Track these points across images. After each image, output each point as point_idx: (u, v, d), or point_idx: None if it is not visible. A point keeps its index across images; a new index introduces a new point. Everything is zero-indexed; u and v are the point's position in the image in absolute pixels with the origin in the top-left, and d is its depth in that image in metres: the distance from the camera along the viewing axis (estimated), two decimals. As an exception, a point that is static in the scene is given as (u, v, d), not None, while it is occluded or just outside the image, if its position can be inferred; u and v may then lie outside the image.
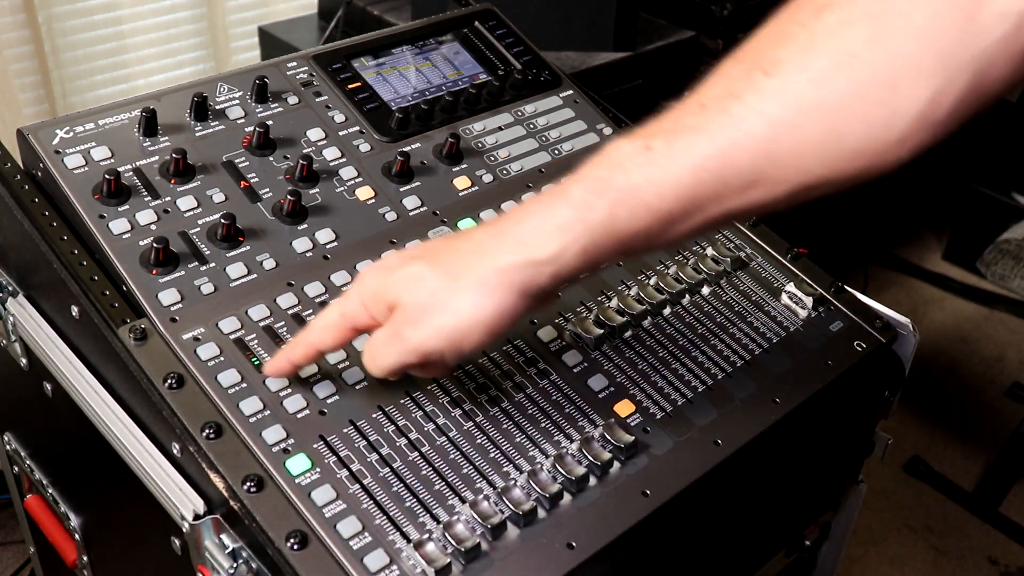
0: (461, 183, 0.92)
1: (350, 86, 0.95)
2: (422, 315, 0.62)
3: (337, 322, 0.67)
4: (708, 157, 0.56)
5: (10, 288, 0.85)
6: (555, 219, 0.59)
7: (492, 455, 0.71)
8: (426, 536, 0.64)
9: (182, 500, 0.67)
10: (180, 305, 0.75)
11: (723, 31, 1.77)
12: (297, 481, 0.66)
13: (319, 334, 0.68)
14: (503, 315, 0.61)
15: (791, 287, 0.89)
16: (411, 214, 0.88)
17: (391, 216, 0.87)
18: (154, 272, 0.76)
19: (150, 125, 0.84)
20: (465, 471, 0.69)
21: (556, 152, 0.98)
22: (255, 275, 0.79)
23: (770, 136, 0.55)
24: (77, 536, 0.92)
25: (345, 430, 0.70)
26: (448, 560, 0.63)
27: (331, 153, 0.89)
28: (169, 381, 0.69)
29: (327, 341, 0.68)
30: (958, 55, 0.52)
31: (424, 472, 0.69)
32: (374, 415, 0.71)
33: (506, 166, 0.95)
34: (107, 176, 0.78)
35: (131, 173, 0.82)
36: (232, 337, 0.74)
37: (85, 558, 0.93)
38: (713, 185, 0.57)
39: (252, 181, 0.85)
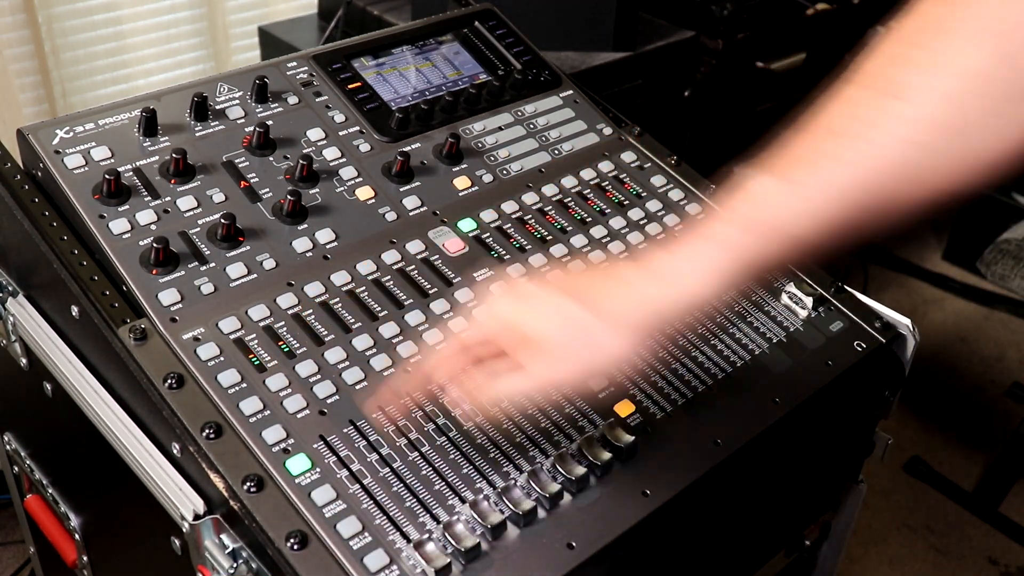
0: (461, 183, 0.92)
1: (350, 86, 0.95)
2: (564, 354, 0.61)
3: (459, 354, 0.66)
4: (850, 185, 0.57)
5: (10, 288, 0.85)
6: (708, 260, 0.60)
7: (492, 455, 0.71)
8: (426, 536, 0.64)
9: (182, 500, 0.67)
10: (180, 305, 0.75)
11: (723, 31, 1.77)
12: (297, 481, 0.66)
13: (442, 369, 0.67)
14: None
15: (791, 287, 0.89)
16: (411, 214, 0.88)
17: (391, 216, 0.87)
18: (154, 272, 0.76)
19: (150, 125, 0.84)
20: (465, 471, 0.69)
21: (556, 152, 0.98)
22: (255, 275, 0.79)
23: (909, 159, 0.56)
24: (77, 536, 0.92)
25: (345, 430, 0.70)
26: (448, 560, 0.63)
27: (331, 153, 0.89)
28: (169, 381, 0.69)
29: (443, 373, 0.67)
30: None
31: (424, 472, 0.69)
32: (374, 415, 0.71)
33: (506, 166, 0.95)
34: (107, 176, 0.78)
35: (131, 173, 0.82)
36: (232, 337, 0.74)
37: (85, 558, 0.93)
38: (855, 210, 0.57)
39: (252, 181, 0.85)
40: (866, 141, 0.56)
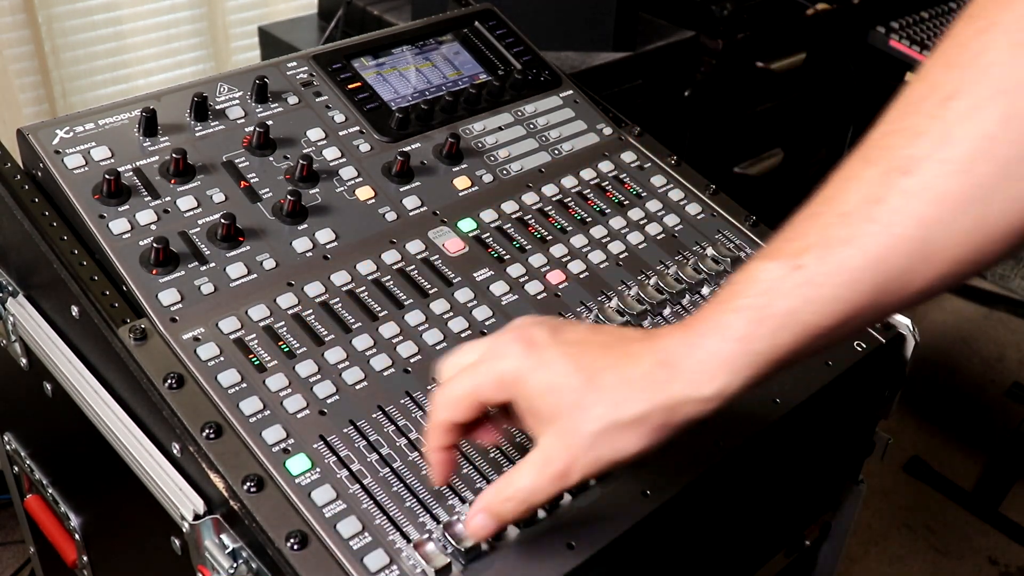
0: (461, 183, 0.92)
1: (350, 86, 0.95)
2: (572, 445, 0.57)
3: (468, 395, 0.60)
4: (863, 268, 0.55)
5: (10, 288, 0.85)
6: (720, 354, 0.56)
7: (492, 455, 0.71)
8: (426, 536, 0.64)
9: (182, 500, 0.67)
10: (180, 305, 0.75)
11: (723, 31, 1.77)
12: (297, 481, 0.66)
13: (447, 410, 0.61)
14: (648, 453, 0.58)
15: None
16: (411, 214, 0.88)
17: (391, 216, 0.87)
18: (154, 272, 0.76)
19: (150, 125, 0.84)
20: (465, 471, 0.69)
21: (556, 152, 0.98)
22: (255, 275, 0.79)
23: (922, 236, 0.54)
24: (77, 536, 0.92)
25: (345, 430, 0.70)
26: (448, 560, 0.63)
27: (331, 153, 0.89)
28: (169, 381, 0.69)
29: (458, 415, 0.61)
30: None
31: (424, 472, 0.69)
32: (374, 415, 0.71)
33: (506, 166, 0.95)
34: (107, 176, 0.78)
35: (131, 173, 0.82)
36: (232, 337, 0.74)
37: (85, 558, 0.93)
38: (871, 293, 0.55)
39: (252, 181, 0.85)
40: (875, 222, 0.54)
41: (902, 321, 0.89)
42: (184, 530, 0.66)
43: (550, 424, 0.58)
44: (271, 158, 0.87)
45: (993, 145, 0.52)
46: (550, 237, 0.89)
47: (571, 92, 1.05)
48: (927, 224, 0.54)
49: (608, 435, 0.57)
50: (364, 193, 0.87)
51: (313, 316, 0.77)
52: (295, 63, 0.95)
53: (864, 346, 0.86)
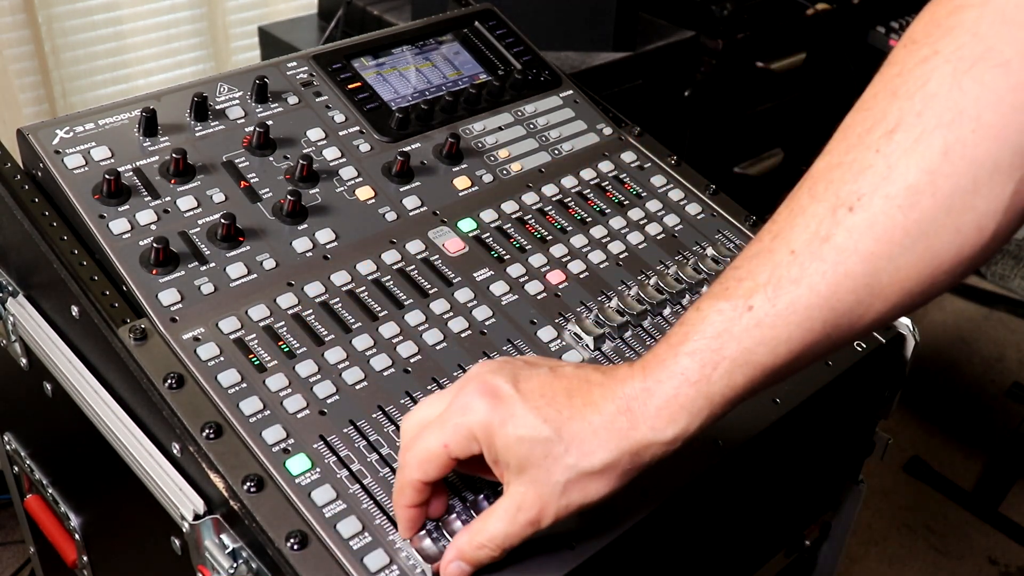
0: (461, 183, 0.92)
1: (350, 86, 0.95)
2: (544, 494, 0.58)
3: (439, 453, 0.60)
4: (814, 307, 0.55)
5: (10, 288, 0.85)
6: (678, 399, 0.57)
7: (492, 455, 0.71)
8: (426, 536, 0.64)
9: (182, 500, 0.67)
10: (180, 305, 0.75)
11: (723, 31, 1.77)
12: (297, 481, 0.66)
13: (420, 469, 0.61)
14: (615, 492, 0.59)
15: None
16: (411, 214, 0.88)
17: (391, 216, 0.87)
18: (154, 272, 0.76)
19: (150, 125, 0.84)
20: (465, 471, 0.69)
21: (556, 152, 0.98)
22: (255, 275, 0.79)
23: (869, 271, 0.55)
24: (77, 536, 0.92)
25: (345, 430, 0.70)
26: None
27: (331, 153, 0.89)
28: (169, 381, 0.69)
29: (431, 474, 0.61)
30: None
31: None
32: (374, 415, 0.71)
33: (506, 166, 0.95)
34: (107, 176, 0.78)
35: (131, 173, 0.82)
36: (232, 337, 0.74)
37: (85, 558, 0.93)
38: (822, 330, 0.56)
39: (252, 181, 0.85)
40: (823, 260, 0.55)
41: (902, 321, 0.89)
42: (184, 530, 0.66)
43: (521, 474, 0.58)
44: (271, 158, 0.87)
45: (935, 179, 0.53)
46: (550, 237, 0.89)
47: (571, 92, 1.05)
48: (874, 260, 0.55)
49: (579, 483, 0.58)
50: (364, 193, 0.87)
51: (313, 316, 0.77)
52: (295, 63, 0.95)
53: (864, 346, 0.86)
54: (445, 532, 0.64)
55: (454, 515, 0.66)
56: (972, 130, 0.52)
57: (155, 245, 0.76)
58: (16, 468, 1.01)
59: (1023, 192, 0.53)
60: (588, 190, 0.95)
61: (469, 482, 0.69)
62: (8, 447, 1.01)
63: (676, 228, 0.93)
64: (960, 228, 0.54)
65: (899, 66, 0.55)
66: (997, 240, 0.55)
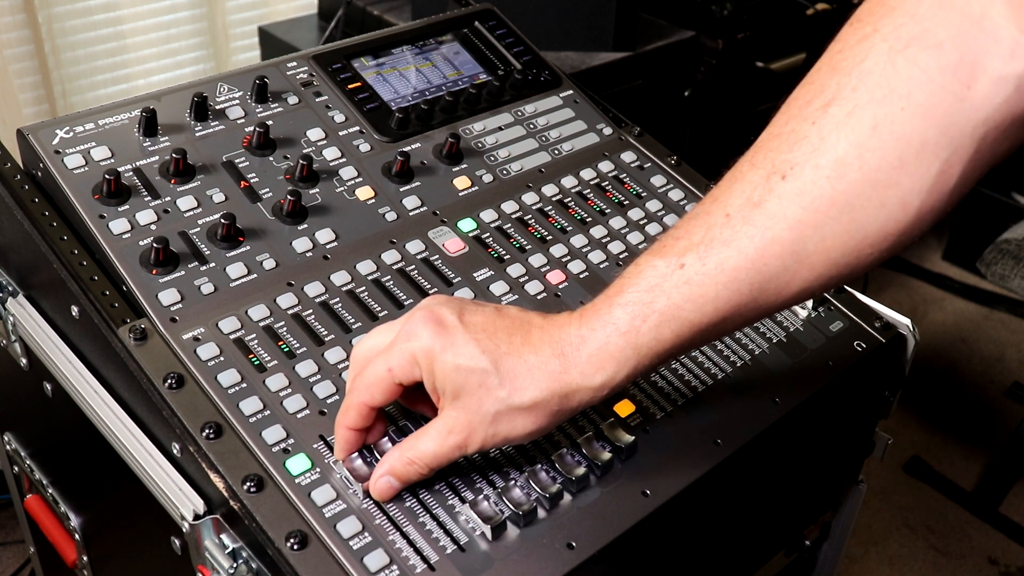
0: (461, 183, 0.92)
1: (350, 86, 0.95)
2: (474, 421, 0.62)
3: (384, 377, 0.63)
4: (740, 269, 0.58)
5: (10, 288, 0.85)
6: (608, 347, 0.60)
7: (492, 455, 0.71)
8: (357, 456, 0.66)
9: (182, 500, 0.67)
10: (180, 305, 0.75)
11: (723, 31, 1.77)
12: (297, 481, 0.66)
13: (367, 392, 0.64)
14: (543, 432, 0.63)
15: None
16: (411, 214, 0.88)
17: (391, 216, 0.87)
18: (154, 272, 0.76)
19: (150, 125, 0.84)
20: (465, 470, 0.69)
21: (556, 152, 0.98)
22: (255, 275, 0.79)
23: (796, 238, 0.56)
24: (77, 536, 0.92)
25: (345, 430, 0.70)
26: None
27: (331, 153, 0.89)
28: (169, 381, 0.69)
29: (377, 398, 0.64)
30: (960, 124, 0.53)
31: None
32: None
33: (506, 166, 0.95)
34: (107, 176, 0.78)
35: (131, 173, 0.82)
36: (232, 337, 0.74)
37: (85, 558, 0.93)
38: (749, 292, 0.58)
39: (252, 181, 0.85)
40: (753, 225, 0.57)
41: (902, 321, 0.89)
42: (184, 530, 0.66)
43: (455, 400, 0.62)
44: (271, 158, 0.87)
45: (862, 153, 0.54)
46: (550, 237, 0.89)
47: (571, 92, 1.05)
48: (801, 227, 0.56)
49: (507, 416, 0.61)
50: (364, 193, 0.87)
51: (313, 316, 0.77)
52: (295, 63, 0.95)
53: (864, 346, 0.87)
54: (376, 453, 0.65)
55: (385, 438, 0.67)
56: (901, 108, 0.53)
57: (155, 245, 0.76)
58: (16, 468, 1.01)
59: (949, 173, 0.54)
60: (588, 190, 0.95)
61: (469, 481, 0.69)
62: (8, 447, 1.01)
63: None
64: (884, 203, 0.55)
65: (842, 43, 0.58)
66: (923, 219, 0.56)
